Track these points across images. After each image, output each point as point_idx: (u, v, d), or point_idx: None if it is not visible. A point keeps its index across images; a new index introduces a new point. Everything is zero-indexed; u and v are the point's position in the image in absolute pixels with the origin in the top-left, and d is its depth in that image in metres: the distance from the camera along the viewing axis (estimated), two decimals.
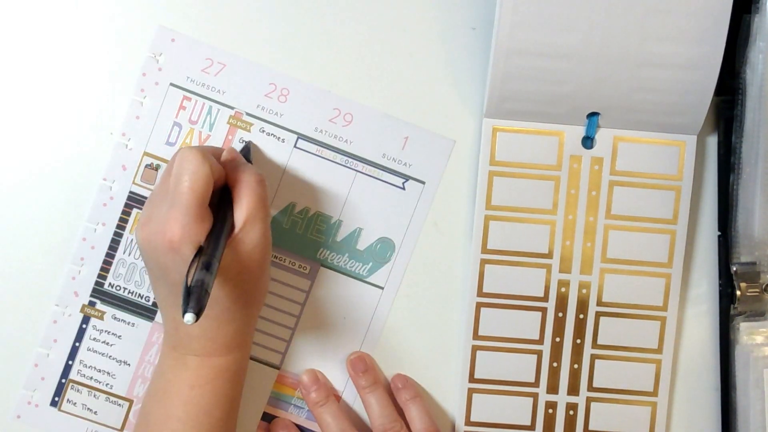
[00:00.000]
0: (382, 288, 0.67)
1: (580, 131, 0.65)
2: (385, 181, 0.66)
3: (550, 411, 0.67)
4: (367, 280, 0.67)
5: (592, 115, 0.65)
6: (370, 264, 0.67)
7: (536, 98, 0.64)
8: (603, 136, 0.66)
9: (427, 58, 0.66)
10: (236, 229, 0.56)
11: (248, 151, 0.64)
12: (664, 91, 0.63)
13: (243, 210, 0.56)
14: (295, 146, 0.66)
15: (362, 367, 0.65)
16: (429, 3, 0.66)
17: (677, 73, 0.63)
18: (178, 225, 0.53)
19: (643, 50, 0.62)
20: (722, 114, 0.66)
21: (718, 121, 0.66)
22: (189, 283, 0.50)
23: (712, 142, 0.67)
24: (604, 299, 0.66)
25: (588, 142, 0.66)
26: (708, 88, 0.63)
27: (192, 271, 0.51)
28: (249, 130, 0.66)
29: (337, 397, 0.67)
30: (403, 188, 0.66)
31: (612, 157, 0.66)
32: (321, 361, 0.67)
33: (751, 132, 0.63)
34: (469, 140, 0.66)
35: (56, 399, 0.66)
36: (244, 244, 0.56)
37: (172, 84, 0.65)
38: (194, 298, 0.49)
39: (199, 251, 0.53)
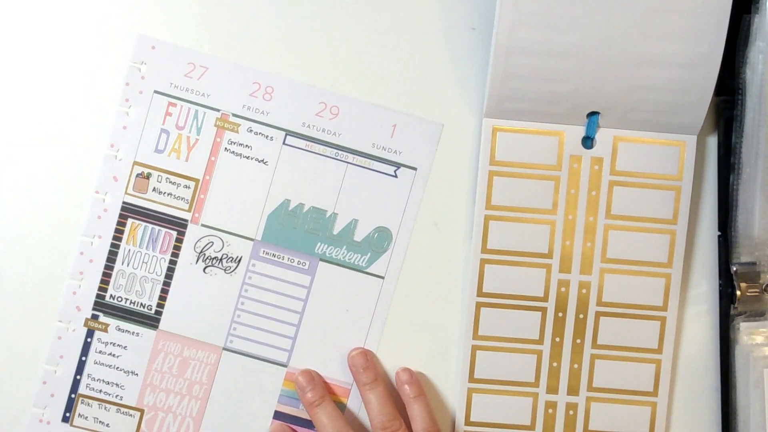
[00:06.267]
0: (382, 277, 0.67)
1: (580, 131, 0.65)
2: (376, 171, 0.66)
3: (550, 411, 0.67)
4: (367, 270, 0.67)
5: (592, 114, 0.65)
6: (369, 254, 0.67)
7: (536, 98, 0.64)
8: (603, 136, 0.66)
9: (427, 58, 0.66)
10: None
11: None
12: (664, 91, 0.63)
13: None
14: (284, 143, 0.66)
15: (363, 363, 0.65)
16: (429, 3, 0.66)
17: (677, 73, 0.63)
18: None
19: (642, 49, 0.62)
20: (722, 114, 0.66)
21: (718, 121, 0.66)
22: None
23: (712, 142, 0.67)
24: (604, 299, 0.66)
25: (588, 142, 0.66)
26: (708, 88, 0.63)
27: None
28: (237, 131, 0.66)
29: (345, 391, 0.67)
30: (395, 176, 0.67)
31: (612, 157, 0.66)
32: (327, 356, 0.67)
33: (751, 132, 0.63)
34: (469, 140, 0.66)
35: (67, 414, 0.66)
36: None
37: (156, 91, 0.65)
38: None
39: None
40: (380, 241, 0.67)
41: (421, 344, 0.67)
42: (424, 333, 0.67)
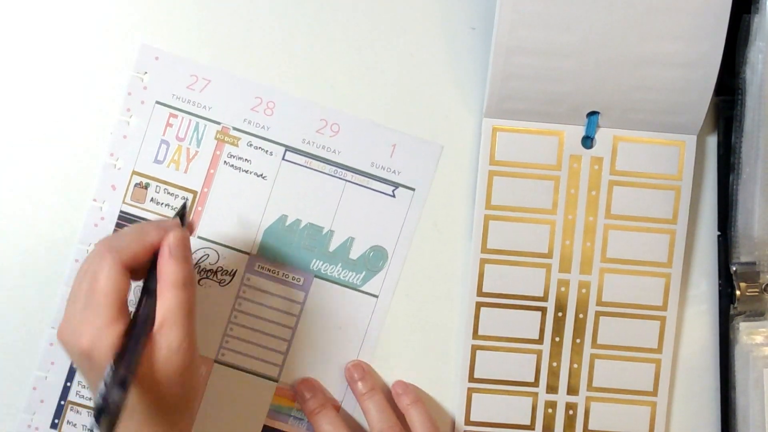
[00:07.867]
0: (376, 296, 0.67)
1: (580, 131, 0.65)
2: (375, 190, 0.66)
3: (550, 411, 0.67)
4: (361, 289, 0.67)
5: (592, 114, 0.64)
6: (364, 273, 0.66)
7: (536, 97, 0.64)
8: (603, 136, 0.65)
9: (427, 58, 0.66)
10: (154, 329, 0.53)
11: (184, 209, 0.63)
12: (664, 90, 0.63)
13: (161, 311, 0.53)
14: (283, 159, 0.66)
15: (359, 373, 0.65)
16: (429, 3, 0.65)
17: (677, 72, 0.63)
18: (90, 329, 0.51)
19: (642, 49, 0.62)
20: (722, 114, 0.66)
21: (718, 121, 0.66)
22: (102, 398, 0.47)
23: (712, 142, 0.67)
24: (604, 299, 0.66)
25: (588, 141, 0.66)
26: (707, 88, 0.63)
27: (105, 385, 0.48)
28: (237, 145, 0.65)
29: (337, 408, 0.66)
30: (393, 196, 0.66)
31: (612, 156, 0.66)
32: (318, 372, 0.67)
33: (751, 132, 0.63)
34: (469, 140, 0.66)
35: (56, 421, 0.66)
36: (161, 349, 0.52)
37: (158, 102, 0.65)
38: (105, 420, 0.47)
39: (117, 357, 0.50)
40: (375, 260, 0.66)
41: (421, 344, 0.67)
42: (423, 333, 0.67)
